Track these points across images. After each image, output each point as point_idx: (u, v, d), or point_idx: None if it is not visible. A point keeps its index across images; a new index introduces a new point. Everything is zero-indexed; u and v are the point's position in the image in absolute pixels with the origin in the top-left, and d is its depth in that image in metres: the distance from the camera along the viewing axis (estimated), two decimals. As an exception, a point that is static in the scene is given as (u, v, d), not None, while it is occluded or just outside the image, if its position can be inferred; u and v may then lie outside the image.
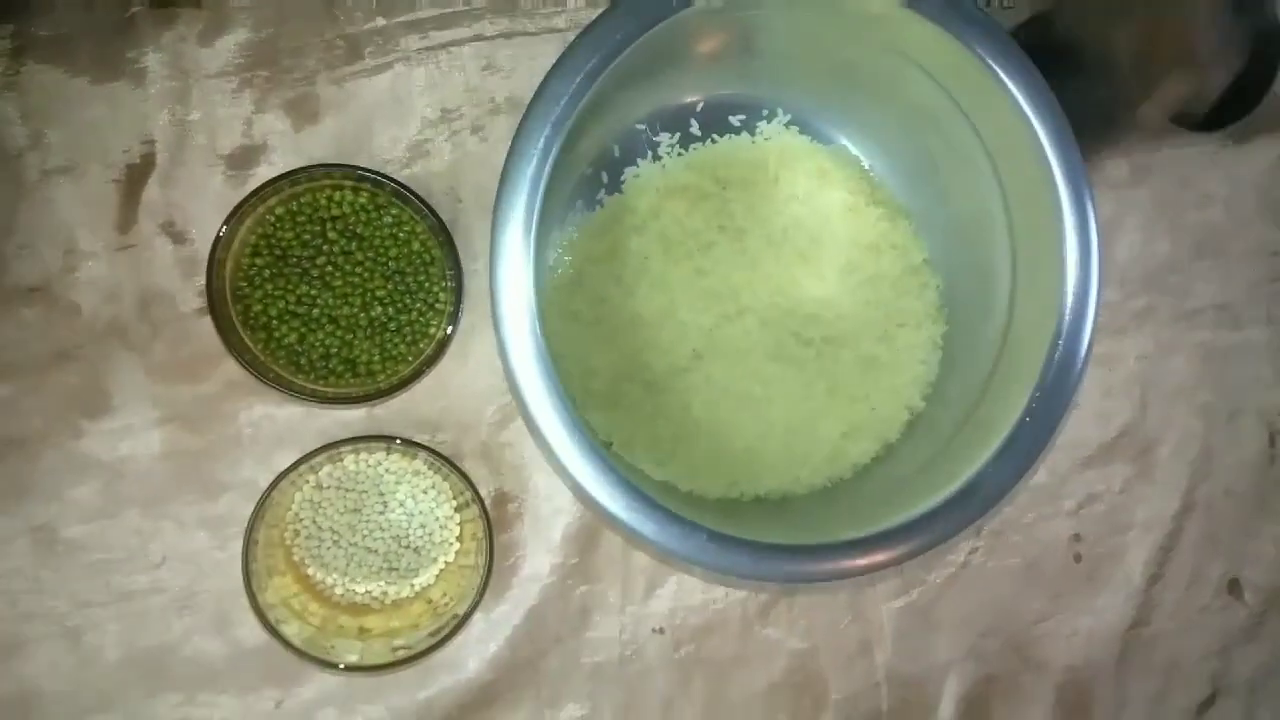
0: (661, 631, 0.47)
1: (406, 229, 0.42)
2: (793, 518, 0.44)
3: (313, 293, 0.41)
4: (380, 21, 0.44)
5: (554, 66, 0.35)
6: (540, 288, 0.36)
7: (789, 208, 0.46)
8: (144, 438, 0.42)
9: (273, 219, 0.41)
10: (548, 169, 0.35)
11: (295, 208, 0.41)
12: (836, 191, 0.47)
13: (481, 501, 0.41)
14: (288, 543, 0.42)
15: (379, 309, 0.42)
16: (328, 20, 0.43)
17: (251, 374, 0.40)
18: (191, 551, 0.42)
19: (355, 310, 0.42)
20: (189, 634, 0.43)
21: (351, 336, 0.42)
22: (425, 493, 0.43)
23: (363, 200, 0.42)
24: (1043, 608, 0.51)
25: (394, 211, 0.42)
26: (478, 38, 0.45)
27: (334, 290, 0.42)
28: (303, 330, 0.41)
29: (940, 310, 0.47)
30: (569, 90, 0.34)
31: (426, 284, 0.43)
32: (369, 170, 0.41)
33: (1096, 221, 0.40)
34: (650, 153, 0.46)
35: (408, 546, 0.43)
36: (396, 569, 0.43)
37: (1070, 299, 0.40)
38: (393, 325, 0.42)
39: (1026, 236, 0.42)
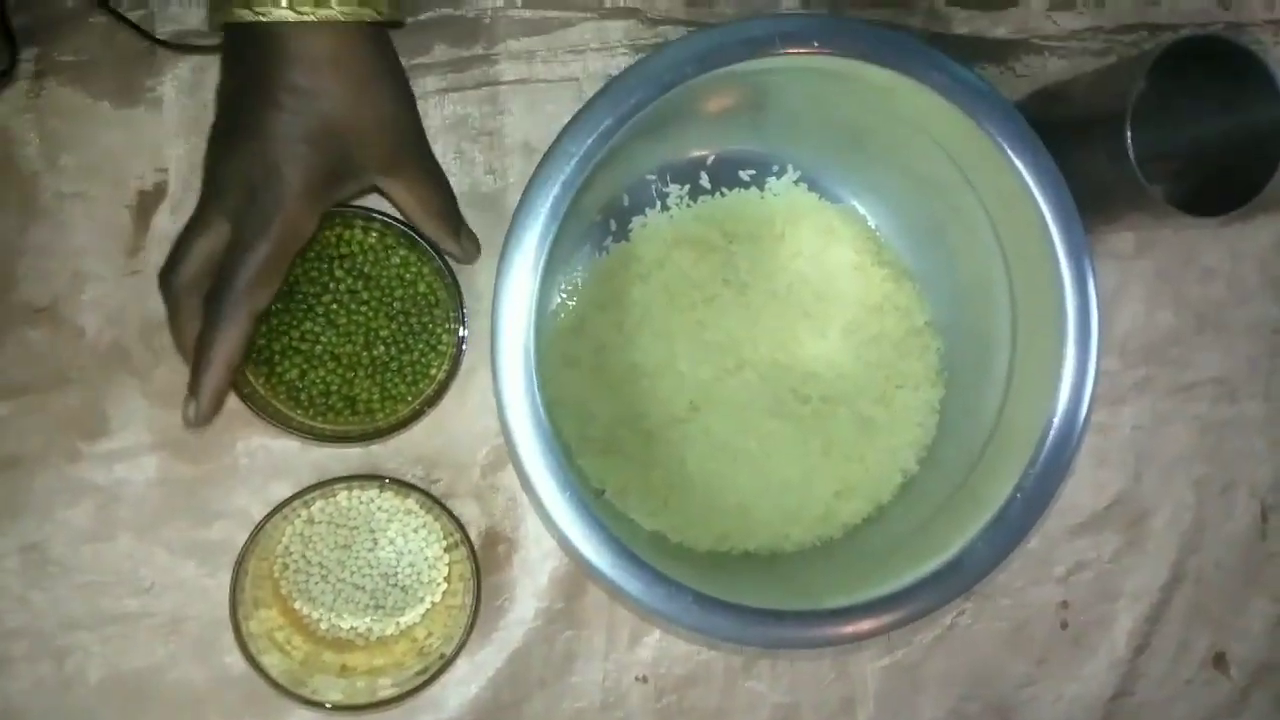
0: (645, 680, 0.47)
1: (413, 270, 0.43)
2: (781, 575, 0.44)
3: (316, 329, 0.42)
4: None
5: (568, 125, 0.35)
6: (540, 334, 0.37)
7: (794, 264, 0.46)
8: (140, 462, 0.42)
9: None
10: (555, 226, 0.35)
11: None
12: (843, 250, 0.47)
13: (470, 544, 0.41)
14: (276, 575, 0.42)
15: (381, 348, 0.42)
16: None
17: (251, 409, 0.40)
18: (181, 578, 0.43)
19: (358, 349, 0.42)
20: (174, 660, 0.43)
21: (353, 374, 0.42)
22: (416, 531, 0.43)
23: (372, 240, 0.42)
24: (1028, 672, 0.51)
25: (402, 253, 0.42)
26: (495, 82, 0.45)
27: (338, 328, 0.42)
28: (304, 366, 0.41)
29: (940, 374, 0.47)
30: (581, 150, 0.35)
31: (430, 325, 0.43)
32: (379, 212, 0.41)
33: (1098, 301, 0.40)
34: (659, 203, 0.46)
35: (395, 585, 0.43)
36: (383, 607, 0.43)
37: (1069, 376, 0.40)
38: (394, 365, 0.42)
39: (1028, 307, 0.42)
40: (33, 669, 0.42)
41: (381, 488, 0.42)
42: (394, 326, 0.42)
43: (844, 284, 0.47)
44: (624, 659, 0.47)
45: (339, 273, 0.42)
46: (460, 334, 0.42)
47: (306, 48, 0.34)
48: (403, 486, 0.41)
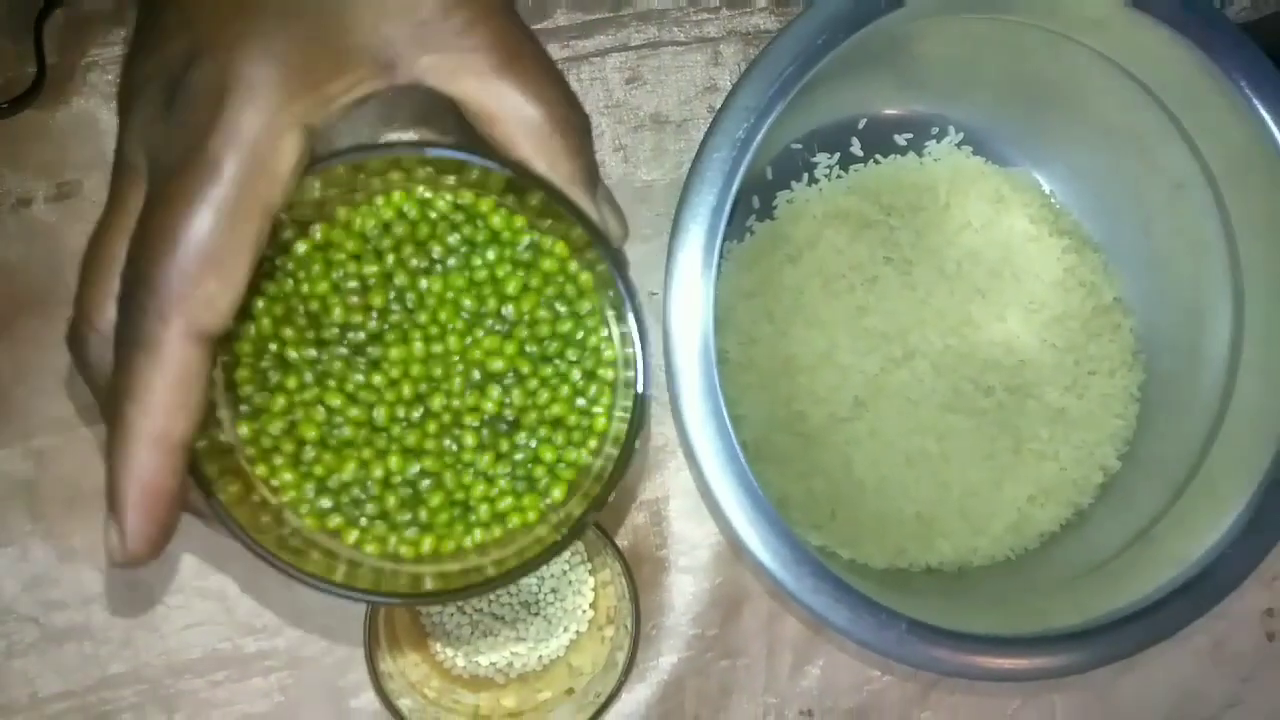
0: (810, 715, 0.42)
1: (526, 240, 0.24)
2: (972, 594, 0.39)
3: (371, 390, 0.24)
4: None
5: (745, 74, 0.30)
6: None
7: (962, 237, 0.41)
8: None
9: (289, 271, 0.24)
10: (731, 195, 0.30)
11: (317, 237, 0.24)
12: (1016, 220, 0.41)
13: (625, 562, 0.36)
14: (408, 612, 0.38)
15: (497, 393, 0.24)
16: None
17: (285, 567, 0.22)
18: (300, 611, 0.38)
19: (458, 403, 0.24)
20: (294, 705, 0.38)
21: (459, 451, 0.24)
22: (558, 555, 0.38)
23: (445, 205, 0.24)
24: (1232, 691, 0.45)
25: (508, 222, 0.24)
26: (622, 48, 0.40)
27: (408, 372, 0.24)
28: (358, 459, 0.24)
29: (1137, 356, 0.41)
30: (761, 104, 0.30)
31: (574, 333, 0.25)
32: (453, 147, 0.22)
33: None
34: (807, 175, 0.41)
35: (537, 614, 0.38)
36: (524, 639, 0.38)
37: (1321, 349, 0.34)
38: (531, 415, 0.24)
39: (1256, 273, 0.37)
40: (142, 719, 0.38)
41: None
42: (513, 347, 0.24)
43: (1020, 258, 0.41)
44: (786, 691, 0.42)
45: (399, 276, 0.24)
46: (636, 361, 0.23)
47: None
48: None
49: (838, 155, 0.42)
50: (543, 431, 0.24)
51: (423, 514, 0.24)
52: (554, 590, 0.38)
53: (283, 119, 0.20)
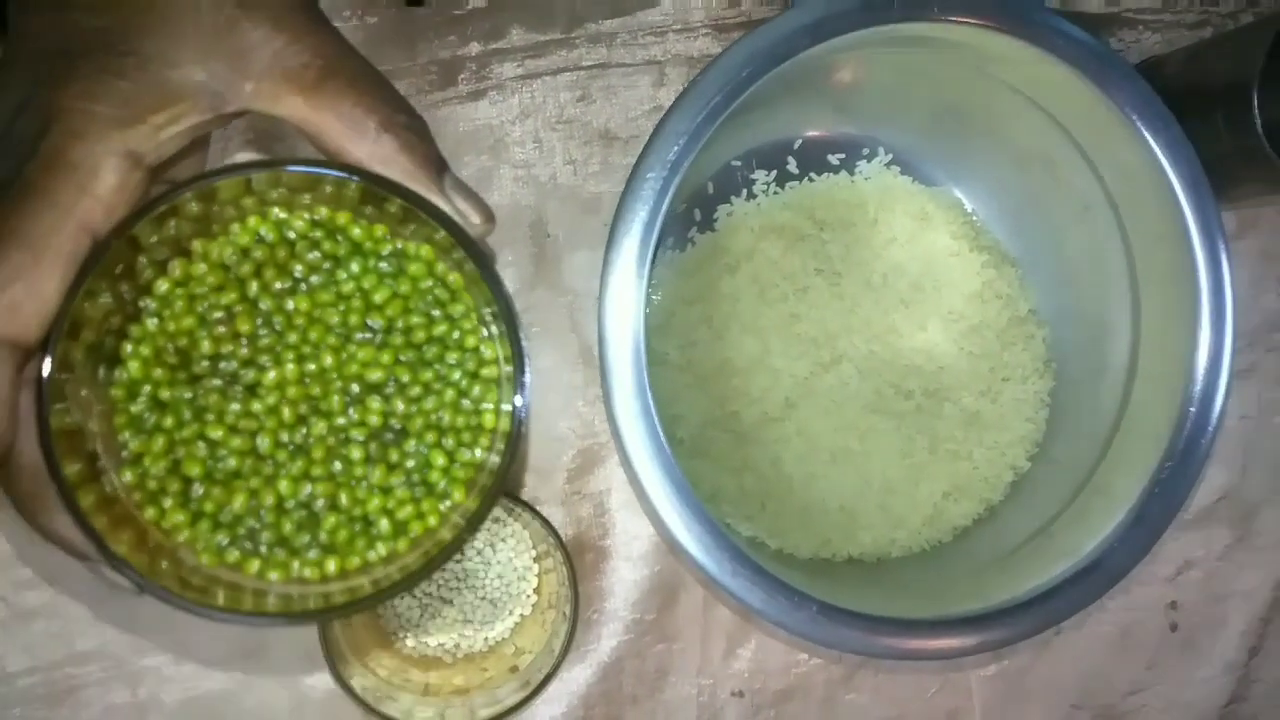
0: (741, 695, 0.45)
1: (388, 248, 0.24)
2: (891, 582, 0.42)
3: (251, 419, 0.23)
4: (475, 48, 0.42)
5: (676, 103, 0.33)
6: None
7: (889, 251, 0.44)
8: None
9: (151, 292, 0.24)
10: (662, 211, 0.33)
11: (183, 268, 0.24)
12: (939, 235, 0.44)
13: (565, 550, 0.39)
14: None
15: (377, 405, 0.24)
16: (422, 44, 0.41)
17: (194, 605, 0.22)
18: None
19: (339, 420, 0.24)
20: (251, 682, 0.40)
21: (348, 470, 0.24)
22: (504, 541, 0.41)
23: (302, 224, 0.24)
24: (1137, 678, 0.48)
25: (365, 233, 0.24)
26: (574, 67, 0.43)
27: (287, 396, 0.24)
28: (246, 490, 0.23)
29: (1048, 364, 0.45)
30: (690, 129, 0.32)
31: (449, 335, 0.25)
32: (312, 162, 0.23)
33: (1232, 279, 0.37)
34: (746, 190, 0.44)
35: (484, 598, 0.41)
36: (471, 621, 0.40)
37: (1203, 360, 0.37)
38: (416, 422, 0.24)
39: (1152, 290, 0.40)
40: (106, 695, 0.40)
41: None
42: (388, 357, 0.24)
43: (942, 271, 0.44)
44: (719, 673, 0.44)
45: (264, 300, 0.24)
46: (515, 356, 0.24)
47: None
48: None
49: (775, 172, 0.44)
50: (431, 437, 0.24)
51: (322, 535, 0.24)
52: (499, 576, 0.41)
53: (102, 147, 0.21)
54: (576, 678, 0.43)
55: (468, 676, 0.40)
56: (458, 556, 0.40)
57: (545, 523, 0.39)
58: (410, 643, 0.40)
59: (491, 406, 0.24)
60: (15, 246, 0.20)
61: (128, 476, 0.23)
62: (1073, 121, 0.39)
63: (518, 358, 0.23)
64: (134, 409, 0.23)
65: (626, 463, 0.33)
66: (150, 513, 0.23)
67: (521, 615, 0.41)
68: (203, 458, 0.23)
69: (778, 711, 0.45)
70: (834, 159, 0.45)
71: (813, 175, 0.45)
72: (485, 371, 0.24)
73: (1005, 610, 0.36)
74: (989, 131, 0.43)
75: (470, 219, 0.24)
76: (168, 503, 0.23)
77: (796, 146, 0.45)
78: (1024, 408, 0.44)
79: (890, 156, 0.45)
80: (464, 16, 0.42)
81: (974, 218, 0.46)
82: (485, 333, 0.25)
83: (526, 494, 0.42)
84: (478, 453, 0.24)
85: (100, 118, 0.21)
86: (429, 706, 0.38)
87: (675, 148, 0.32)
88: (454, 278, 0.24)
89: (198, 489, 0.23)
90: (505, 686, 0.39)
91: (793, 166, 0.44)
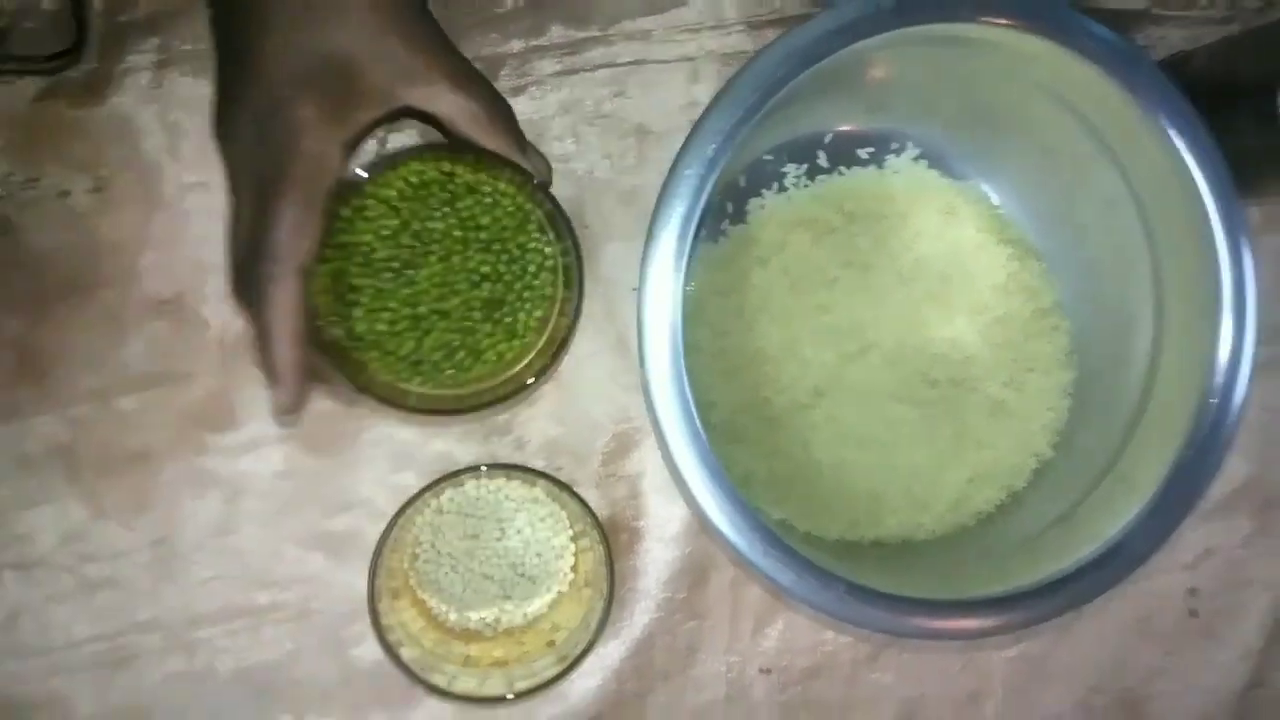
0: (768, 672, 0.46)
1: (490, 189, 0.38)
2: (914, 565, 0.43)
3: (417, 291, 0.37)
4: (516, 45, 0.43)
5: (714, 101, 0.34)
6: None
7: (917, 244, 0.45)
8: (266, 454, 0.42)
9: (343, 219, 0.37)
10: (700, 205, 0.34)
11: (363, 201, 0.37)
12: (965, 229, 0.45)
13: (602, 529, 0.40)
14: (406, 566, 0.42)
15: (488, 286, 0.38)
16: (465, 42, 0.43)
17: (377, 399, 0.36)
18: (308, 571, 0.42)
19: (465, 294, 0.37)
20: (302, 653, 0.42)
21: (469, 322, 0.38)
22: (543, 520, 0.42)
23: (435, 174, 0.37)
24: (1156, 664, 0.50)
25: (470, 175, 0.38)
26: (610, 64, 0.44)
27: (435, 281, 0.37)
28: (418, 334, 0.37)
29: (1070, 356, 0.45)
30: (728, 126, 0.33)
31: (529, 243, 0.38)
32: (429, 144, 0.37)
33: (1255, 274, 0.38)
34: (777, 184, 0.45)
35: (523, 575, 0.42)
36: (510, 597, 0.42)
37: (1224, 354, 0.38)
38: (509, 295, 0.38)
39: (1175, 285, 0.41)
40: (164, 663, 0.42)
41: (509, 475, 0.41)
42: (492, 257, 0.38)
43: (968, 264, 0.45)
44: (747, 650, 0.46)
45: (414, 224, 0.37)
46: (569, 253, 0.38)
47: None
48: (530, 474, 0.41)
49: (806, 166, 0.45)
50: (519, 303, 0.38)
51: (456, 358, 0.38)
52: (538, 554, 0.42)
53: (329, 141, 0.32)
54: (610, 652, 0.44)
55: (506, 650, 0.42)
56: (499, 534, 0.42)
57: (582, 503, 0.40)
58: (453, 616, 0.42)
59: (552, 288, 0.39)
60: (297, 210, 0.32)
61: (346, 329, 0.37)
62: (1099, 119, 0.40)
63: (575, 250, 0.38)
64: (343, 287, 0.37)
65: (664, 447, 0.35)
66: (358, 350, 0.37)
67: (559, 592, 0.43)
68: (386, 319, 0.37)
69: (804, 689, 0.46)
70: (864, 153, 0.46)
71: (843, 169, 0.46)
72: (548, 263, 0.39)
73: (1027, 593, 0.37)
74: (1017, 128, 0.44)
75: (540, 171, 0.37)
76: (368, 342, 0.37)
77: (827, 141, 0.46)
78: (1047, 397, 0.45)
79: (919, 151, 0.46)
80: (505, 15, 0.44)
81: (1000, 211, 0.47)
82: (548, 238, 0.39)
83: (564, 476, 0.44)
84: (542, 312, 0.39)
85: (326, 123, 0.32)
86: (471, 677, 0.40)
87: (713, 145, 0.34)
88: (529, 206, 0.38)
89: (383, 338, 0.37)
90: (542, 660, 0.41)
91: (823, 160, 0.46)
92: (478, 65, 0.42)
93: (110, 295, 0.41)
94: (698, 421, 0.34)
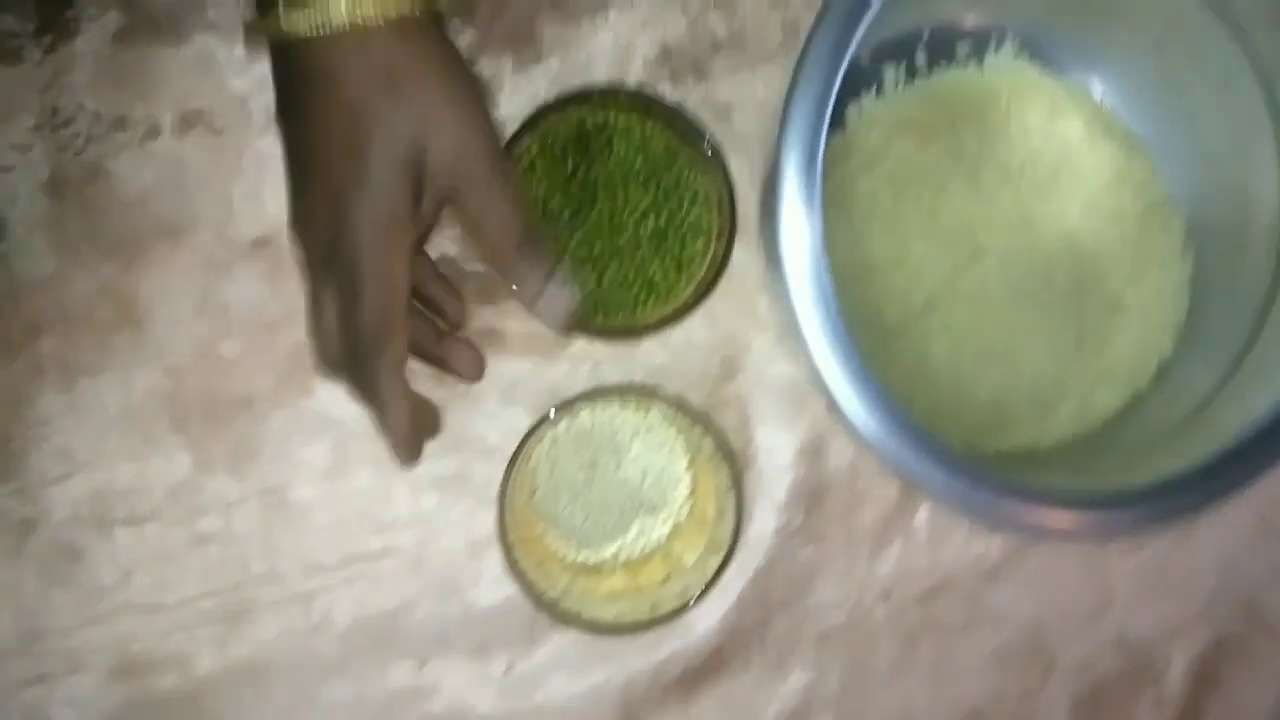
0: (887, 597, 0.45)
1: (637, 130, 0.41)
2: (1040, 474, 0.42)
3: (589, 232, 0.41)
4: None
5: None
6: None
7: (1024, 142, 0.43)
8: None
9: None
10: (833, 96, 0.33)
11: (530, 159, 0.41)
12: (1071, 124, 0.44)
13: (731, 451, 0.39)
14: (525, 501, 0.41)
15: (651, 218, 0.41)
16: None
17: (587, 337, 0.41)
18: (422, 512, 0.41)
19: (631, 231, 0.41)
20: (420, 597, 0.41)
21: (638, 256, 0.41)
22: (660, 448, 0.41)
23: (589, 122, 0.41)
24: (1275, 564, 0.48)
25: (623, 118, 0.41)
26: None
27: (604, 220, 0.41)
28: (597, 271, 0.41)
29: (1186, 250, 0.44)
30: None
31: (679, 177, 0.42)
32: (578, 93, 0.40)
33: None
34: (875, 86, 0.44)
35: (641, 505, 0.41)
36: (630, 528, 0.41)
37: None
38: (670, 227, 0.41)
39: (1304, 163, 0.39)
40: (281, 615, 0.41)
41: (622, 403, 0.40)
42: (650, 194, 0.41)
43: (1076, 160, 0.44)
44: (865, 575, 0.45)
45: (580, 171, 0.41)
46: (719, 184, 0.40)
47: (366, 57, 0.29)
48: (651, 396, 0.39)
49: (903, 65, 0.44)
50: (680, 235, 0.42)
51: (633, 292, 0.41)
52: (656, 483, 0.41)
53: (400, 254, 0.32)
54: (730, 582, 0.43)
55: (626, 582, 0.41)
56: (615, 464, 0.41)
57: (706, 426, 0.39)
58: (573, 550, 0.41)
59: (708, 220, 0.42)
60: (380, 310, 0.32)
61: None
62: (1224, -8, 0.38)
63: (726, 179, 0.41)
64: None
65: (805, 353, 0.33)
66: None
67: (677, 522, 0.42)
68: (574, 249, 0.41)
69: (924, 612, 0.45)
70: (962, 50, 0.44)
71: (941, 67, 0.44)
72: (700, 195, 0.42)
73: (1174, 484, 0.36)
74: (1120, 12, 0.42)
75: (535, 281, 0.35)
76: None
77: (924, 39, 0.44)
78: (1165, 293, 0.43)
79: (1018, 43, 0.44)
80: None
81: (1103, 105, 0.45)
82: (698, 171, 0.42)
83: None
84: (703, 244, 0.42)
85: (392, 225, 0.32)
86: (595, 608, 0.39)
87: (839, 28, 0.32)
88: (676, 143, 0.42)
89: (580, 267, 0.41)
90: (666, 589, 0.40)
91: (921, 60, 0.44)
92: None
93: (205, 238, 0.40)
94: (841, 321, 0.33)
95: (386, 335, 0.31)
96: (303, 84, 0.31)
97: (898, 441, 0.34)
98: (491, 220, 0.33)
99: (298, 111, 0.32)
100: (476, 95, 0.32)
